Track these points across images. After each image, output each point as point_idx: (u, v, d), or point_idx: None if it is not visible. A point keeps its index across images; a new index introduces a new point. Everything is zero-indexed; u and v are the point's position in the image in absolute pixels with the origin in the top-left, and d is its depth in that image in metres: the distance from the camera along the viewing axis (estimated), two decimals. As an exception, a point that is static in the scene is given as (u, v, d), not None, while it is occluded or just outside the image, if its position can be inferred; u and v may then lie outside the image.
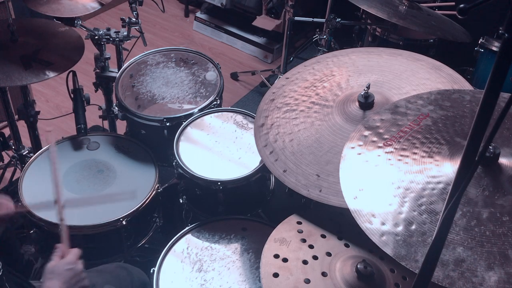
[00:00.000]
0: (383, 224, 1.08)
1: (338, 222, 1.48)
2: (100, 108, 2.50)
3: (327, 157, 1.49)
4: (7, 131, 2.33)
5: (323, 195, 1.42)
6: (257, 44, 3.68)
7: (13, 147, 2.34)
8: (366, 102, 1.54)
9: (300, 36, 3.68)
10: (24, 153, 2.35)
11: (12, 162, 2.41)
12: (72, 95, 2.22)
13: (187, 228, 1.73)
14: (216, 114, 2.06)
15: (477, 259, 1.00)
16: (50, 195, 1.88)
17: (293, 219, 1.50)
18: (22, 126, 2.37)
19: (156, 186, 1.91)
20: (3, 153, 2.40)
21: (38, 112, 2.32)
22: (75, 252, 1.36)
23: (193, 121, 2.02)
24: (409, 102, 1.35)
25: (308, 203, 1.71)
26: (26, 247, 2.04)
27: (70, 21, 2.18)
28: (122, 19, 2.33)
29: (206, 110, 2.06)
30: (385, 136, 1.26)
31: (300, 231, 1.45)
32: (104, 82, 2.40)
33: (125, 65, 2.28)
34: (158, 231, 2.04)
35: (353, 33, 3.08)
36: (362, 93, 1.54)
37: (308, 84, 1.71)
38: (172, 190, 2.02)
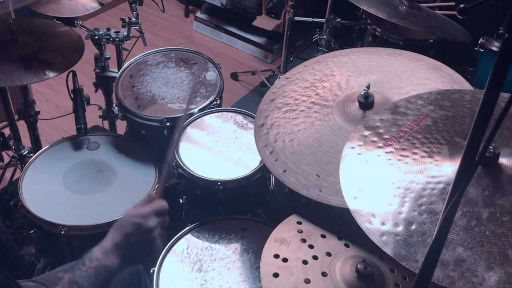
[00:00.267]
0: (383, 224, 1.08)
1: (338, 222, 1.48)
2: (100, 108, 2.50)
3: (327, 157, 1.49)
4: (7, 131, 2.33)
5: (323, 195, 1.42)
6: (257, 44, 3.68)
7: (13, 147, 2.34)
8: (366, 102, 1.54)
9: (300, 36, 3.68)
10: (24, 153, 2.35)
11: (12, 162, 2.41)
12: (72, 95, 2.22)
13: (187, 228, 1.73)
14: (216, 114, 2.06)
15: (477, 259, 1.00)
16: (50, 195, 1.89)
17: (293, 219, 1.50)
18: (22, 126, 2.37)
19: (156, 186, 1.91)
20: (3, 153, 2.40)
21: (38, 112, 2.33)
22: (156, 205, 1.18)
23: (193, 121, 2.02)
24: (409, 102, 1.35)
25: (308, 203, 1.71)
26: (27, 249, 2.04)
27: (70, 21, 2.18)
28: (122, 19, 2.33)
29: (206, 110, 2.06)
30: (385, 136, 1.26)
31: (300, 231, 1.45)
32: (104, 82, 2.40)
33: (125, 65, 2.28)
34: (158, 231, 2.04)
35: (353, 33, 3.08)
36: (362, 93, 1.54)
37: (308, 84, 1.71)
38: (172, 190, 2.02)
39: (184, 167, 1.83)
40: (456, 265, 1.00)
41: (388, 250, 1.04)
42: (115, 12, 3.99)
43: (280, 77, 3.00)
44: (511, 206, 1.05)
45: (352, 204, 1.14)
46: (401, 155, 1.19)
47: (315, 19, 2.87)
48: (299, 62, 2.02)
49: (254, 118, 1.77)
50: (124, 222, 1.16)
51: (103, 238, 1.19)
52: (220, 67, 2.28)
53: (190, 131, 1.99)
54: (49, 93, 3.24)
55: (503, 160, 1.09)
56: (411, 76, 1.66)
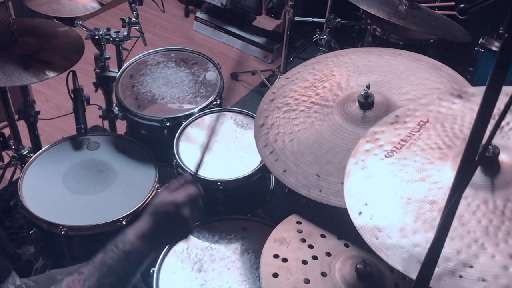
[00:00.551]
0: (389, 237, 1.06)
1: (338, 222, 1.48)
2: (100, 108, 2.50)
3: (327, 157, 1.49)
4: (7, 131, 2.33)
5: (323, 195, 1.42)
6: (257, 44, 3.68)
7: (13, 147, 2.34)
8: (366, 102, 1.54)
9: (300, 36, 3.68)
10: (24, 153, 2.35)
11: (12, 162, 2.41)
12: (72, 95, 2.22)
13: (187, 228, 1.73)
14: (216, 114, 2.06)
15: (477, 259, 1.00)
16: (50, 195, 1.89)
17: (293, 219, 1.50)
18: (22, 126, 2.37)
19: (156, 186, 1.91)
20: (3, 153, 2.40)
21: (38, 112, 2.33)
22: (190, 191, 1.15)
23: (193, 121, 2.02)
24: (408, 110, 1.33)
25: (308, 203, 1.71)
26: (26, 248, 2.04)
27: (70, 21, 2.18)
28: (122, 19, 2.33)
29: (206, 110, 2.06)
30: (387, 148, 1.23)
31: (300, 231, 1.45)
32: (104, 82, 2.40)
33: (125, 65, 2.28)
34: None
35: (353, 33, 3.08)
36: (362, 93, 1.54)
37: (308, 84, 1.71)
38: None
39: (184, 167, 1.83)
40: (456, 264, 1.00)
41: (399, 267, 1.02)
42: (115, 12, 3.99)
43: (280, 77, 3.00)
44: (511, 206, 1.04)
45: (357, 220, 1.11)
46: (403, 165, 1.16)
47: (315, 19, 2.87)
48: (299, 62, 2.02)
49: (254, 118, 1.77)
50: (158, 208, 1.14)
51: (103, 238, 1.19)
52: (220, 67, 2.28)
53: (190, 131, 1.99)
54: (49, 93, 3.24)
55: (503, 160, 1.09)
56: (411, 76, 1.66)
